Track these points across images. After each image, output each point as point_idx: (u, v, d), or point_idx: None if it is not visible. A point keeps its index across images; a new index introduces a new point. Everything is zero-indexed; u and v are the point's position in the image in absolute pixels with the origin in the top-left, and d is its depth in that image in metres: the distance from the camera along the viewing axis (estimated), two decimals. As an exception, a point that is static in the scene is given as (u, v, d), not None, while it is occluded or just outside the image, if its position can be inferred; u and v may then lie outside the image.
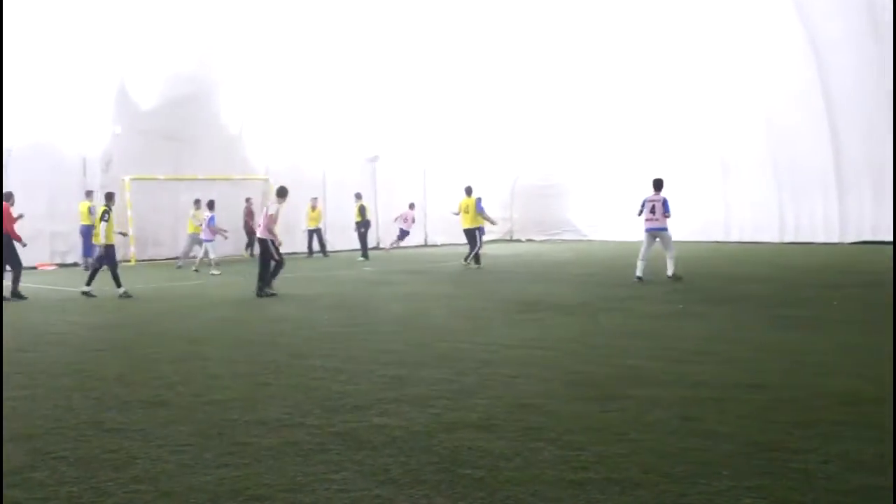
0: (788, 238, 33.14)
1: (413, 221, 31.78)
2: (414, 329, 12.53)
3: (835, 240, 31.70)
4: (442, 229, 37.39)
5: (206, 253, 24.49)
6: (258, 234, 18.29)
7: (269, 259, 17.69)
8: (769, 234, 33.45)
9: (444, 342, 11.08)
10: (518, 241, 40.14)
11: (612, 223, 37.72)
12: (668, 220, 19.65)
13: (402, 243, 32.12)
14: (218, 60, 29.91)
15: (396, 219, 31.55)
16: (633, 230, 36.95)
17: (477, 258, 24.41)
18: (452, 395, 7.92)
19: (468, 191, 25.64)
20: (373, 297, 17.17)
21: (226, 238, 25.93)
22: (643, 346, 10.49)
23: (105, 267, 18.19)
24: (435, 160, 37.47)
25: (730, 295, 16.26)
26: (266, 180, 32.26)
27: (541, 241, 39.42)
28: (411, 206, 31.99)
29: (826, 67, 31.17)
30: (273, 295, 17.42)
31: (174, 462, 6.07)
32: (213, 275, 23.08)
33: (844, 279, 18.90)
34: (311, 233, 31.49)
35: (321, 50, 32.19)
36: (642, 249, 19.51)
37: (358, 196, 30.91)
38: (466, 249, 25.35)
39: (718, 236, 34.86)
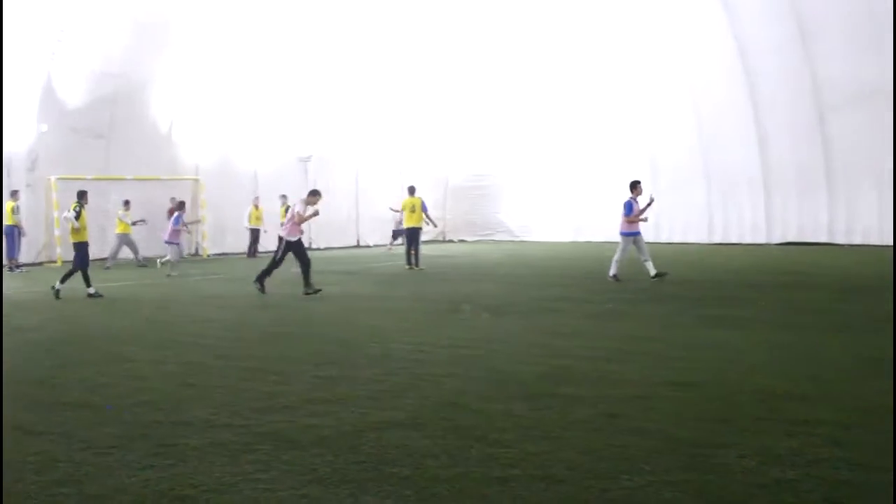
0: (717, 239, 33.80)
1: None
2: (345, 330, 12.54)
3: (762, 241, 32.38)
4: (375, 230, 37.40)
5: (176, 254, 23.71)
6: (280, 233, 17.90)
7: (304, 256, 17.45)
8: (698, 234, 34.09)
9: (374, 343, 11.12)
10: (451, 241, 40.28)
11: (545, 224, 38.11)
12: (625, 223, 19.52)
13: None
14: (146, 57, 29.48)
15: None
16: (565, 231, 37.69)
17: (417, 259, 24.42)
18: (382, 395, 7.97)
19: (412, 190, 25.61)
20: (305, 298, 17.11)
21: (189, 233, 25.49)
22: (572, 345, 10.64)
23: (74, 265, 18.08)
24: (368, 160, 37.43)
25: (659, 294, 16.54)
26: (196, 180, 31.95)
27: (473, 242, 39.62)
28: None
29: (754, 72, 31.88)
30: (318, 291, 17.17)
31: (98, 464, 6.03)
32: (169, 276, 22.61)
33: (770, 279, 19.35)
34: (253, 232, 31.31)
35: (252, 47, 31.97)
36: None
37: (283, 198, 30.75)
38: (402, 250, 25.33)
39: (649, 237, 35.25)
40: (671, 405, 7.37)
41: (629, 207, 19.43)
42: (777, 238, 32.44)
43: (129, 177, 29.12)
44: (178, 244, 23.86)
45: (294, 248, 17.51)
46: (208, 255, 31.79)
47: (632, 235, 19.35)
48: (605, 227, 36.48)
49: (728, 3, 31.43)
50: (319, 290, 17.20)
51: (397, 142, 38.00)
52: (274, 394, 8.11)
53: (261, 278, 17.72)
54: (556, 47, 35.98)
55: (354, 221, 37.59)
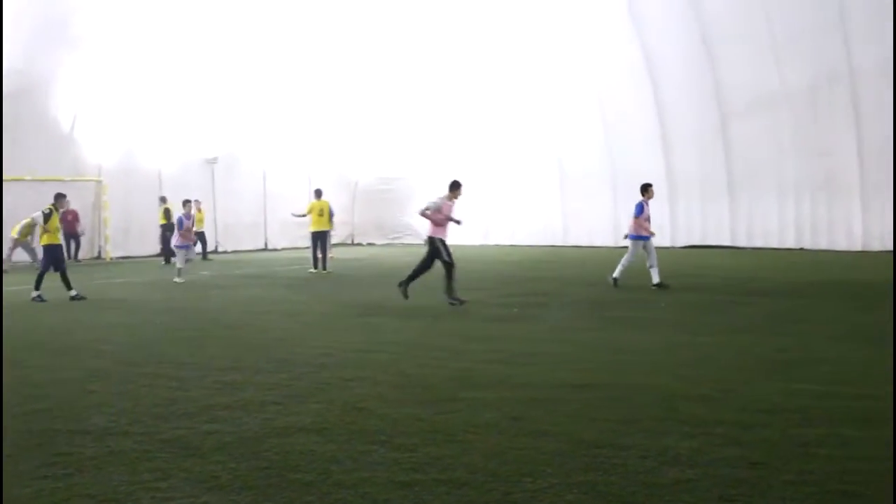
0: (623, 242, 34.29)
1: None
2: (249, 334, 12.39)
3: (666, 244, 33.01)
4: (283, 233, 37.07)
5: (185, 258, 22.22)
6: (428, 233, 16.25)
7: (432, 259, 15.96)
8: (604, 238, 34.60)
9: (279, 347, 11.00)
10: (359, 244, 40.15)
11: (453, 227, 38.25)
12: (636, 226, 18.74)
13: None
14: (47, 53, 28.71)
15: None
16: (474, 235, 37.86)
17: (325, 263, 24.28)
18: (286, 400, 7.89)
19: (318, 193, 25.42)
20: (209, 302, 16.86)
21: (194, 243, 24.06)
22: (477, 348, 10.69)
23: (40, 267, 17.72)
24: (276, 163, 37.08)
25: (564, 297, 16.74)
26: (99, 181, 31.24)
27: (382, 246, 39.56)
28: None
29: (659, 79, 32.52)
30: (462, 302, 15.41)
31: (-11, 475, 5.84)
32: (176, 282, 21.12)
33: (674, 282, 19.69)
34: (199, 234, 30.82)
35: (157, 45, 31.38)
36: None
37: (163, 199, 30.24)
38: (309, 254, 25.15)
39: (556, 240, 35.81)
40: (574, 407, 7.45)
41: (640, 209, 18.70)
42: (681, 241, 33.14)
43: (28, 177, 28.29)
44: (186, 247, 22.27)
45: (431, 246, 15.91)
46: (111, 259, 31.11)
47: (641, 240, 18.54)
48: (514, 231, 37.00)
49: (634, 10, 32.03)
50: (465, 302, 15.45)
51: (305, 144, 37.74)
52: (175, 400, 7.96)
53: (449, 290, 15.73)
54: (464, 51, 36.17)
55: (262, 225, 37.21)
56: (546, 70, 34.74)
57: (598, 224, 34.88)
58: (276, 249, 36.79)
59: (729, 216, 32.41)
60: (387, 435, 6.62)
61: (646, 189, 19.12)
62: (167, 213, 29.53)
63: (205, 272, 24.72)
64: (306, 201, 26.94)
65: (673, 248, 32.55)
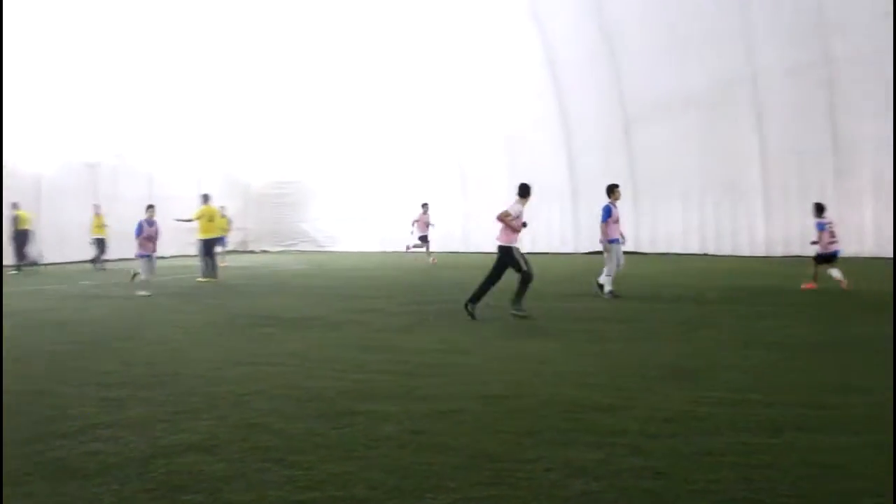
0: (526, 249, 34.58)
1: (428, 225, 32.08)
2: (136, 346, 12.10)
3: (569, 250, 33.50)
4: (172, 240, 36.34)
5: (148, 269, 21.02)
6: (498, 241, 15.39)
7: (504, 269, 15.11)
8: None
9: (168, 360, 10.77)
10: (252, 252, 39.68)
11: (351, 234, 38.13)
12: (605, 230, 18.36)
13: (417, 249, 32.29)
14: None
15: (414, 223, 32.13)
16: (372, 241, 37.84)
17: (215, 271, 23.92)
18: (175, 417, 7.71)
19: (206, 198, 25.05)
20: (90, 313, 16.44)
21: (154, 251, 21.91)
22: (377, 359, 10.64)
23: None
24: (163, 167, 36.39)
25: (460, 307, 16.78)
26: (-30, 186, 30.23)
27: (277, 253, 39.17)
28: (425, 206, 32.09)
29: (563, 84, 32.98)
30: (525, 317, 14.60)
31: None
32: (141, 296, 19.97)
33: (577, 289, 19.97)
34: (98, 241, 30.04)
35: (32, 42, 30.50)
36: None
37: (14, 205, 29.50)
38: (198, 262, 24.77)
39: (458, 247, 35.98)
40: (478, 419, 7.46)
41: (606, 213, 18.29)
42: (585, 247, 33.62)
43: None
44: (147, 256, 21.05)
45: (502, 253, 15.13)
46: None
47: (614, 242, 18.22)
48: (413, 238, 36.97)
49: (538, 15, 32.43)
50: (527, 316, 14.62)
51: (195, 147, 37.13)
52: (54, 419, 7.71)
53: (517, 302, 14.81)
54: (365, 54, 36.14)
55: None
56: (447, 72, 34.92)
57: (499, 230, 35.11)
58: (163, 257, 36.05)
59: (633, 222, 32.99)
60: (282, 452, 6.53)
61: (612, 190, 18.67)
62: (18, 219, 28.88)
63: (85, 281, 24.12)
64: (196, 206, 26.46)
65: (576, 254, 33.02)
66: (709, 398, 8.10)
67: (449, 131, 35.73)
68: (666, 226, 32.42)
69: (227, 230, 29.81)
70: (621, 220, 18.78)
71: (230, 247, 34.54)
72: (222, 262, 24.68)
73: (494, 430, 7.12)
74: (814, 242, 19.73)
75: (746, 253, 30.50)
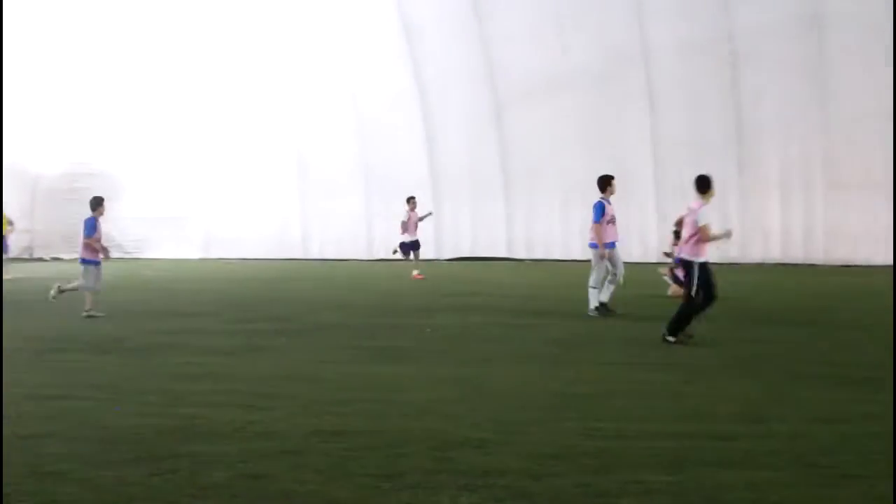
0: (379, 254, 34.66)
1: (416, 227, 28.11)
2: None
3: (431, 256, 33.59)
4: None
5: (92, 278, 19.02)
6: (682, 255, 14.36)
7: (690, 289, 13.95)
8: (356, 249, 34.77)
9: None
10: (41, 259, 38.51)
11: (166, 238, 37.42)
12: (598, 231, 17.76)
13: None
14: None
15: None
16: (192, 247, 37.15)
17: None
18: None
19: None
20: None
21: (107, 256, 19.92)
22: (203, 389, 10.48)
23: None
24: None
25: (309, 324, 16.69)
26: None
27: (71, 261, 38.14)
28: (410, 200, 28.39)
29: (422, 61, 33.06)
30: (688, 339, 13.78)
31: None
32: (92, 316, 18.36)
33: (442, 302, 20.08)
34: None
35: None
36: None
37: None
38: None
39: (295, 253, 35.70)
40: (325, 460, 7.41)
41: (601, 210, 17.71)
42: (448, 253, 33.83)
43: None
44: (96, 263, 19.15)
45: (688, 270, 14.15)
46: None
47: (611, 246, 17.77)
48: (242, 242, 36.46)
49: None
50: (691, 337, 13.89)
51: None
52: None
53: (678, 327, 13.88)
54: (186, 16, 35.45)
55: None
56: (284, 45, 34.56)
57: (347, 233, 35.03)
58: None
59: (505, 222, 33.36)
60: (86, 505, 6.37)
61: (606, 184, 18.15)
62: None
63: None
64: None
65: (438, 260, 33.20)
66: (599, 430, 8.24)
67: (285, 114, 35.39)
68: (544, 227, 32.86)
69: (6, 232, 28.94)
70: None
71: (13, 253, 33.47)
72: (6, 275, 23.85)
73: (345, 472, 7.08)
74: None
75: (637, 259, 31.12)
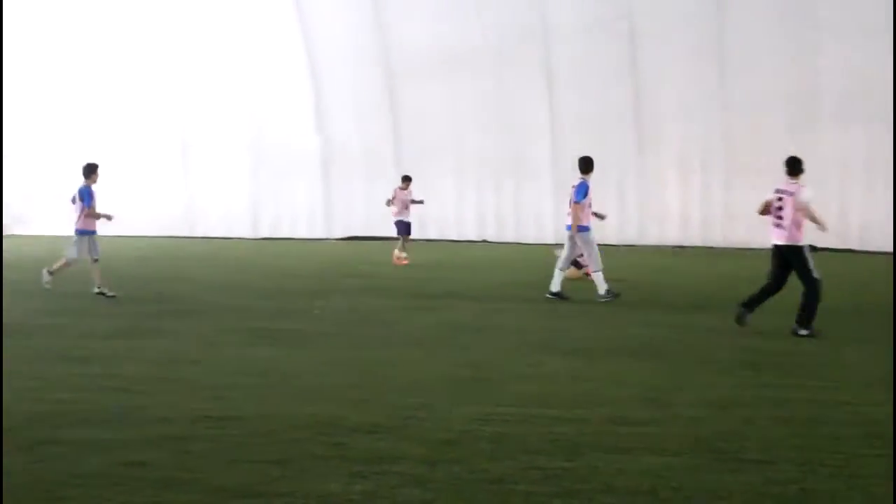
0: (265, 233, 34.40)
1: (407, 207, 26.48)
2: None
3: (320, 235, 33.47)
4: None
5: (80, 250, 18.37)
6: (780, 240, 13.68)
7: (808, 275, 13.42)
8: (242, 227, 34.43)
9: None
10: None
11: (46, 213, 36.59)
12: (577, 213, 17.21)
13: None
14: None
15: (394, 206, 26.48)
16: (66, 223, 36.29)
17: None
18: None
19: None
20: None
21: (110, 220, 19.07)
22: (83, 373, 10.33)
23: None
24: None
25: (195, 305, 16.50)
26: None
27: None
28: (406, 180, 26.74)
29: (312, 33, 32.80)
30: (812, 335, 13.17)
31: None
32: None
33: (333, 283, 20.00)
34: None
35: None
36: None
37: None
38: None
39: (180, 230, 35.24)
40: (211, 446, 7.35)
41: (583, 191, 17.21)
42: (339, 232, 33.70)
43: None
44: (92, 233, 18.47)
45: (793, 257, 13.61)
46: None
47: (587, 230, 17.32)
48: (125, 219, 35.76)
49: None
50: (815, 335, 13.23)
51: None
52: None
53: (809, 317, 13.35)
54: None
55: None
56: (169, 18, 33.98)
57: (233, 210, 34.65)
58: None
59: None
60: (-45, 496, 6.22)
61: (591, 165, 17.70)
62: None
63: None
64: None
65: (328, 240, 33.09)
66: (497, 415, 8.29)
67: (167, 83, 34.81)
68: (438, 207, 32.86)
69: None
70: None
71: None
72: None
73: (232, 458, 7.03)
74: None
75: (532, 241, 31.33)
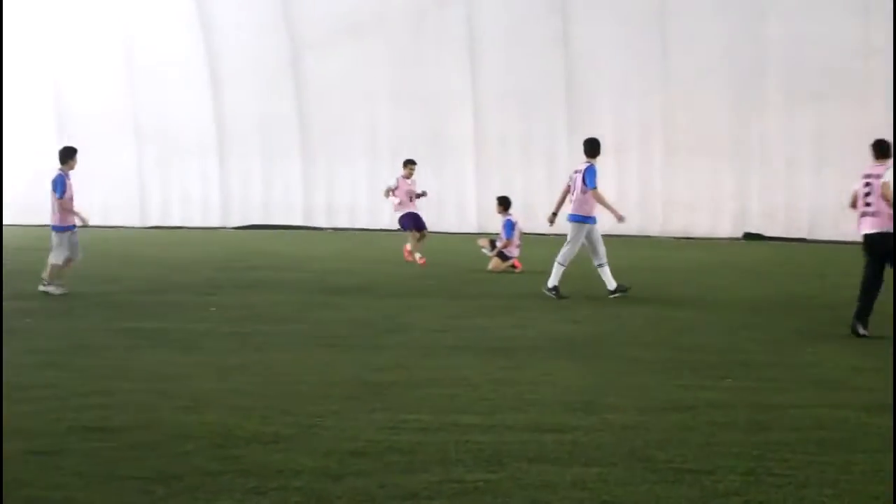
0: (153, 221, 34.11)
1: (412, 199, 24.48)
2: None
3: (215, 223, 33.26)
4: None
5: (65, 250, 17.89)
6: (873, 228, 13.34)
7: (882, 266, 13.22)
8: (127, 215, 34.11)
9: None
10: None
11: None
12: (585, 202, 17.15)
13: None
14: None
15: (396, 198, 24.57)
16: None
17: None
18: None
19: None
20: None
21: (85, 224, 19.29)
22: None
23: None
24: None
25: (71, 302, 16.38)
26: None
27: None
28: (409, 164, 24.81)
29: (208, 10, 32.59)
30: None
31: None
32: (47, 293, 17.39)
33: (228, 277, 19.88)
34: None
35: None
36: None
37: None
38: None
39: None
40: (87, 461, 7.23)
41: (596, 175, 17.29)
42: (236, 220, 33.50)
43: None
44: (70, 229, 18.16)
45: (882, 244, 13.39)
46: None
47: (588, 222, 17.24)
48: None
49: None
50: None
51: None
52: None
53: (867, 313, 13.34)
54: None
55: None
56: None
57: (117, 196, 34.29)
58: None
59: (302, 186, 33.16)
60: None
61: (596, 147, 17.88)
62: None
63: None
64: None
65: (224, 229, 32.88)
66: (410, 423, 8.26)
67: (43, 54, 34.41)
68: (347, 192, 32.80)
69: None
70: None
71: None
72: None
73: (113, 475, 6.92)
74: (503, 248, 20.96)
75: (453, 229, 31.33)
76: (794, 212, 28.09)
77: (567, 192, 17.58)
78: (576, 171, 17.50)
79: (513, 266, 20.38)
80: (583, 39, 30.16)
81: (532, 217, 21.77)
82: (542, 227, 19.33)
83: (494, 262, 20.39)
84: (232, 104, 33.36)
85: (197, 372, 10.64)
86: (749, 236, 29.27)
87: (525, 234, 21.94)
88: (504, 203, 21.69)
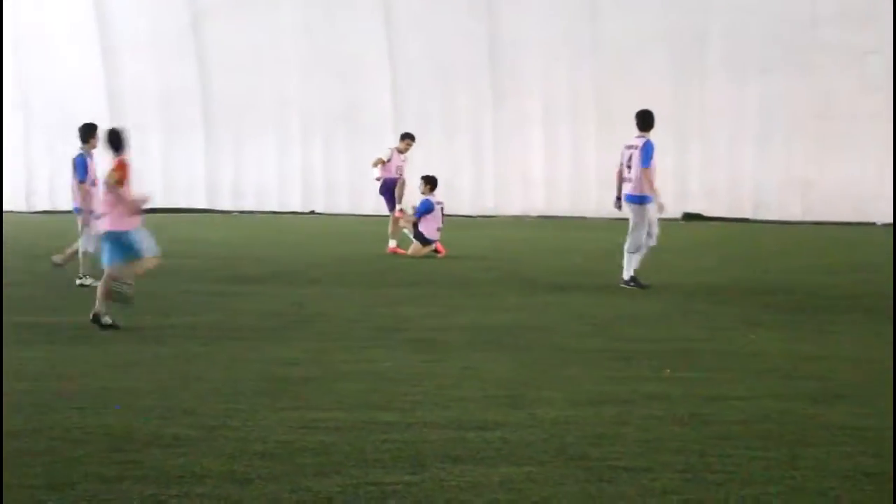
0: (43, 206, 33.76)
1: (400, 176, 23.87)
2: None
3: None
4: None
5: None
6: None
7: None
8: (12, 201, 33.75)
9: None
10: None
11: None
12: (642, 181, 16.77)
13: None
14: None
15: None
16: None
17: None
18: None
19: None
20: None
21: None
22: None
23: None
24: None
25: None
26: None
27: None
28: (406, 138, 24.46)
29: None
30: None
31: None
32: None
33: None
34: None
35: None
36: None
37: None
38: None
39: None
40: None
41: (652, 151, 16.88)
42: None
43: None
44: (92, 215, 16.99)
45: None
46: None
47: (647, 202, 16.89)
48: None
49: None
50: None
51: None
52: None
53: None
54: None
55: None
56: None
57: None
58: None
59: (204, 164, 32.94)
60: None
61: (649, 120, 17.17)
62: None
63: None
64: None
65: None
66: (322, 421, 8.27)
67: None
68: (255, 171, 32.66)
69: None
70: None
71: None
72: None
73: (9, 483, 6.87)
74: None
75: (371, 211, 31.25)
76: (736, 190, 28.33)
77: (621, 171, 17.22)
78: (628, 147, 17.20)
79: (435, 251, 20.46)
80: (507, 2, 30.16)
81: (455, 198, 21.75)
82: (466, 208, 19.48)
83: (415, 247, 20.44)
84: (126, 73, 33.02)
85: (91, 369, 10.57)
86: (689, 216, 29.48)
87: (447, 215, 21.96)
88: (430, 182, 21.66)
